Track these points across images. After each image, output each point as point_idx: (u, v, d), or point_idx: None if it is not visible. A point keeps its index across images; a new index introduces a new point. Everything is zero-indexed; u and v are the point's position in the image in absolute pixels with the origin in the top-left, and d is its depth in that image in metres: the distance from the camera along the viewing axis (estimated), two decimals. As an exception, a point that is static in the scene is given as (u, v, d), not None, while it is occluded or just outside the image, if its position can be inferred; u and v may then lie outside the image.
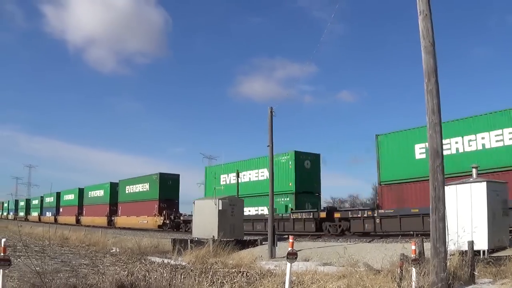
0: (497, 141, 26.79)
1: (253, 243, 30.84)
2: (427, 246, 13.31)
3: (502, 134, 26.55)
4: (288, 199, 39.71)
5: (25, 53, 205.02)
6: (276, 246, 26.50)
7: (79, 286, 11.67)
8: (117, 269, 18.17)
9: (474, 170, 19.50)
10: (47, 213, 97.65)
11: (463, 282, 13.28)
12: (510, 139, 26.19)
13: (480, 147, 27.66)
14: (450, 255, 13.73)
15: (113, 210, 71.39)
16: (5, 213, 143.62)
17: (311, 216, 37.00)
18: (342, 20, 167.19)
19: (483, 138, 27.55)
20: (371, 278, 13.23)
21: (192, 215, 37.42)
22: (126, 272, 15.28)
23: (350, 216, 34.32)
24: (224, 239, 26.87)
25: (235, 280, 15.12)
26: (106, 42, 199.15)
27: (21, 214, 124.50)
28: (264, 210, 39.56)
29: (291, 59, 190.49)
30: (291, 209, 39.01)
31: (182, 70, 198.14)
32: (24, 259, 18.65)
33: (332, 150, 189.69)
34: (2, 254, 9.47)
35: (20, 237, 33.71)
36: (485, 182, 18.35)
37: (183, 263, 20.97)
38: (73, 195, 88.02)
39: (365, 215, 32.98)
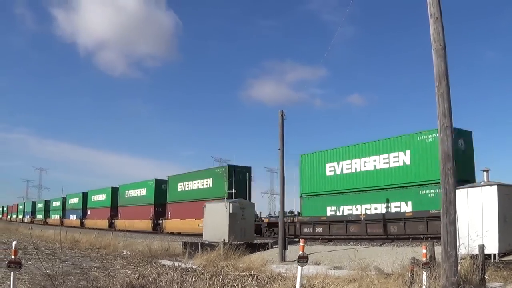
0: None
1: (263, 247, 30.84)
2: (438, 250, 13.29)
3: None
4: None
5: (35, 56, 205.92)
6: (287, 249, 26.50)
7: (90, 289, 11.72)
8: (127, 272, 18.24)
9: (485, 174, 19.44)
10: (71, 215, 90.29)
11: (474, 286, 13.23)
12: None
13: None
14: (461, 259, 13.71)
15: (158, 212, 59.32)
16: (20, 216, 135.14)
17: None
18: (352, 23, 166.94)
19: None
20: (382, 281, 13.24)
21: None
22: (136, 275, 15.35)
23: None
24: (235, 242, 26.92)
25: (245, 284, 15.16)
26: (117, 46, 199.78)
27: (39, 216, 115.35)
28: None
29: (301, 62, 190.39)
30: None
31: (192, 73, 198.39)
32: (34, 262, 18.73)
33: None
34: (13, 256, 9.54)
35: (31, 240, 33.89)
36: (496, 186, 18.28)
37: (194, 266, 20.98)
38: (104, 195, 76.69)
39: (289, 220, 38.23)
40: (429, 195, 28.92)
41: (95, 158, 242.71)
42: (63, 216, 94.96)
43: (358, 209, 33.38)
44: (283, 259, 25.81)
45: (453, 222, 11.76)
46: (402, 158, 31.47)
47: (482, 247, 15.16)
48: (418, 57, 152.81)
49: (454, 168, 12.11)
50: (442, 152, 12.19)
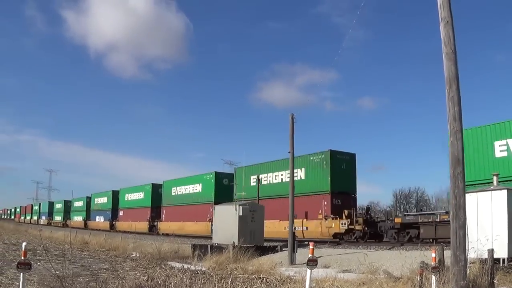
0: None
1: (273, 249, 30.84)
2: (447, 253, 13.28)
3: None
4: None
5: (46, 58, 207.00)
6: (296, 252, 26.50)
7: (99, 290, 11.77)
8: (137, 274, 18.29)
9: (494, 178, 19.35)
10: (98, 217, 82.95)
11: (483, 290, 13.24)
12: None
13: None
14: (470, 263, 13.69)
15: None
16: (34, 217, 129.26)
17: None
18: (363, 26, 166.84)
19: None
20: (391, 285, 13.24)
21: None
22: (146, 277, 15.40)
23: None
24: (244, 245, 26.93)
25: (255, 286, 15.19)
26: (127, 48, 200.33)
27: (57, 218, 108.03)
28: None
29: (312, 65, 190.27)
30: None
31: (203, 76, 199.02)
32: (44, 263, 18.81)
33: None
34: (22, 258, 9.60)
35: (40, 241, 34.00)
36: (505, 190, 18.19)
37: (203, 269, 21.02)
38: (142, 194, 67.78)
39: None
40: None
41: (105, 160, 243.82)
42: (88, 217, 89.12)
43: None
44: (292, 262, 25.80)
45: (463, 226, 11.75)
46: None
47: (491, 251, 15.12)
48: (429, 60, 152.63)
49: (464, 172, 12.09)
50: (452, 156, 12.16)
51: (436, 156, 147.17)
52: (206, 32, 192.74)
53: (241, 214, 30.22)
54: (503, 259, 17.43)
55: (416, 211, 40.83)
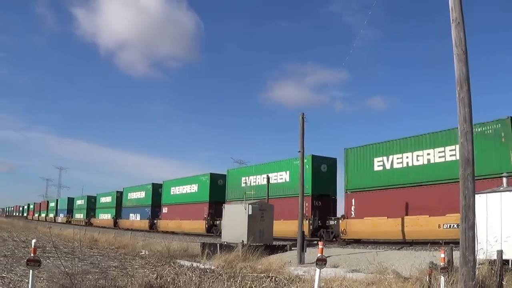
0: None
1: (282, 249, 30.89)
2: (456, 254, 13.27)
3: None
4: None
5: (56, 56, 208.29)
6: (305, 252, 26.52)
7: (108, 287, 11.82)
8: (146, 271, 18.32)
9: (504, 180, 19.30)
10: (133, 215, 71.86)
11: (491, 292, 13.23)
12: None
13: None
14: (479, 264, 13.67)
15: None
16: (51, 215, 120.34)
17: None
18: (374, 26, 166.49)
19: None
20: (400, 285, 13.25)
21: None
22: (155, 275, 15.45)
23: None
24: (253, 244, 26.99)
25: (263, 285, 15.21)
26: (138, 46, 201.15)
27: (78, 216, 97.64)
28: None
29: (322, 64, 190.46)
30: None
31: (213, 75, 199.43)
32: (53, 260, 18.90)
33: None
34: (32, 255, 9.65)
35: (50, 238, 34.15)
36: (516, 191, 18.13)
37: (212, 267, 21.07)
38: (196, 186, 56.01)
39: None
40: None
41: (114, 158, 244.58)
42: (118, 215, 78.89)
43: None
44: (301, 261, 25.84)
45: (472, 227, 11.74)
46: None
47: (500, 252, 15.10)
48: (439, 61, 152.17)
49: (474, 174, 12.08)
50: (462, 157, 12.13)
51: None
52: (216, 31, 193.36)
53: (250, 213, 30.26)
54: (512, 261, 17.38)
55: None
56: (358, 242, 33.11)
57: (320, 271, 11.36)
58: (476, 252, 11.96)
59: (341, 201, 38.06)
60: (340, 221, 35.10)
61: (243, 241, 28.34)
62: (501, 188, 18.88)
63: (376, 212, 31.99)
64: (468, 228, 11.71)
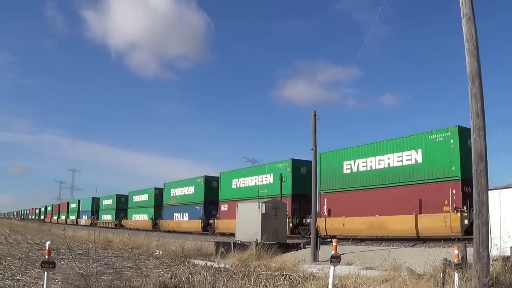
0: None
1: (296, 247, 30.86)
2: (470, 251, 13.26)
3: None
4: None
5: (66, 58, 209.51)
6: (319, 249, 26.51)
7: (123, 288, 11.90)
8: (160, 271, 18.43)
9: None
10: (178, 214, 60.61)
11: (505, 288, 13.20)
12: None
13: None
14: (492, 261, 13.65)
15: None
16: (72, 217, 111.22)
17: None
18: (385, 23, 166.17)
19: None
20: (414, 282, 13.25)
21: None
22: (169, 275, 15.51)
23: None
24: (267, 242, 27.02)
25: (278, 283, 15.26)
26: (148, 47, 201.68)
27: (106, 217, 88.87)
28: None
29: (333, 62, 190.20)
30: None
31: (224, 74, 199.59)
32: (68, 262, 19.02)
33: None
34: (46, 256, 9.70)
35: (64, 240, 34.33)
36: (529, 188, 18.12)
37: (226, 266, 21.14)
38: (270, 176, 44.82)
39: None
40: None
41: (127, 158, 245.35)
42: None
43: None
44: (315, 259, 25.81)
45: (486, 223, 11.73)
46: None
47: (514, 248, 15.08)
48: (451, 56, 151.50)
49: (487, 169, 12.07)
50: (475, 152, 12.11)
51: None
52: (226, 30, 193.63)
53: (264, 211, 30.26)
54: (526, 257, 17.35)
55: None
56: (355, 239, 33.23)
57: (334, 268, 11.41)
58: (490, 248, 11.96)
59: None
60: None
61: (256, 239, 28.34)
62: (515, 185, 18.86)
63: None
64: (482, 224, 11.70)
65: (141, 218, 73.70)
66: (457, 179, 28.16)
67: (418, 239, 30.10)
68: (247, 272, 18.27)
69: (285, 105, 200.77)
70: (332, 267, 11.41)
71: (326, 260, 14.61)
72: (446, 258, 14.07)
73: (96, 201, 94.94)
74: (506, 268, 14.05)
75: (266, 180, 44.86)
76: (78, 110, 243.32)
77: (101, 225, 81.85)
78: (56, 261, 10.08)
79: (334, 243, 12.16)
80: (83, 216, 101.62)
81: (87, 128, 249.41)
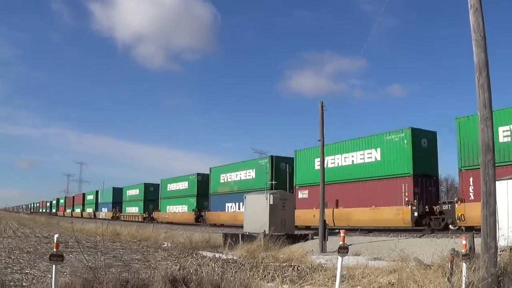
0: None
1: (304, 238, 30.92)
2: (478, 241, 13.26)
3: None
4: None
5: (73, 51, 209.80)
6: (327, 240, 26.55)
7: (132, 280, 11.91)
8: (169, 263, 18.50)
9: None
10: (233, 204, 49.84)
11: (513, 278, 13.18)
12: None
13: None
14: (500, 251, 13.65)
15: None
16: (89, 210, 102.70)
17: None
18: (391, 13, 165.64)
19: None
20: (422, 272, 13.26)
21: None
22: (178, 267, 15.56)
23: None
24: (275, 234, 27.05)
25: (286, 274, 15.33)
26: (155, 39, 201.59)
27: (132, 209, 79.91)
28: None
29: (340, 53, 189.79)
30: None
31: (231, 65, 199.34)
32: (76, 255, 19.11)
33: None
34: (55, 250, 9.72)
35: (72, 233, 34.47)
36: (537, 177, 18.06)
37: (235, 257, 21.22)
38: (253, 171, 47.73)
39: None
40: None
41: (134, 151, 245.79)
42: (200, 206, 58.66)
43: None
44: (323, 250, 25.86)
45: (493, 213, 11.72)
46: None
47: (522, 238, 15.07)
48: (458, 47, 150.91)
49: (495, 159, 12.05)
50: (482, 143, 12.09)
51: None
52: (233, 21, 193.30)
53: (271, 202, 30.31)
54: (534, 247, 17.33)
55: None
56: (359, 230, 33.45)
57: (342, 259, 11.43)
58: (497, 238, 11.96)
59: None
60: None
61: (264, 230, 28.41)
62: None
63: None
64: (489, 215, 11.69)
65: (179, 209, 63.81)
66: (409, 176, 31.28)
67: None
68: (255, 263, 18.35)
69: (292, 97, 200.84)
70: (340, 258, 11.42)
71: (334, 251, 14.62)
72: (454, 249, 14.07)
73: (118, 192, 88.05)
74: (513, 258, 14.04)
75: (249, 175, 49.15)
76: (84, 103, 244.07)
77: (125, 219, 76.63)
78: (64, 254, 10.10)
79: (342, 234, 12.18)
80: (103, 208, 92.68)
81: (94, 121, 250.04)
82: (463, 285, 11.53)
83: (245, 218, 33.17)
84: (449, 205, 29.87)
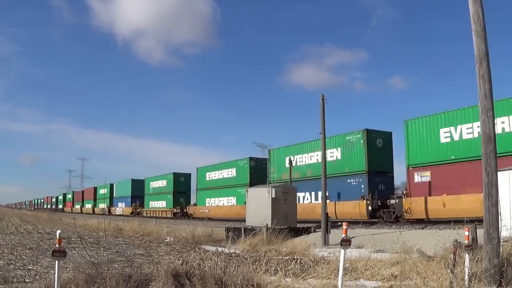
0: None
1: (306, 231, 30.91)
2: (480, 232, 13.25)
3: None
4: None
5: (73, 47, 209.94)
6: (330, 233, 26.55)
7: (134, 275, 11.88)
8: (171, 258, 18.52)
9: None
10: (304, 194, 39.66)
11: (516, 269, 13.17)
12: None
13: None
14: (503, 242, 13.63)
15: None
16: (102, 205, 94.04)
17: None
18: (391, 5, 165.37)
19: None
20: (425, 264, 13.25)
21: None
22: (180, 261, 15.55)
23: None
24: (278, 227, 27.05)
25: (289, 267, 15.30)
26: (155, 34, 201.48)
27: (156, 204, 71.16)
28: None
29: (341, 45, 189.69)
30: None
31: (232, 59, 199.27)
32: (78, 251, 19.11)
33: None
34: (57, 245, 9.70)
35: (75, 229, 34.47)
36: (539, 168, 18.05)
37: (237, 251, 21.21)
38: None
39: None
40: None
41: (136, 146, 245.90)
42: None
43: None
44: (326, 243, 25.88)
45: (495, 204, 11.71)
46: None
47: (525, 229, 15.05)
48: (459, 38, 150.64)
49: (496, 150, 12.03)
50: (483, 133, 12.09)
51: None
52: (233, 16, 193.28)
53: (274, 196, 30.32)
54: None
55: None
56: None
57: (344, 252, 11.40)
58: (500, 229, 11.95)
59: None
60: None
61: (267, 224, 28.39)
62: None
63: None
64: (491, 205, 11.69)
65: (224, 203, 53.05)
66: (365, 173, 34.66)
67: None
68: (257, 257, 18.34)
69: (293, 90, 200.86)
70: (342, 251, 11.40)
71: (337, 244, 14.57)
72: (457, 240, 14.03)
73: (138, 184, 78.66)
74: (517, 249, 14.01)
75: (232, 174, 53.03)
76: (85, 99, 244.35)
77: (148, 214, 69.59)
78: (67, 250, 10.09)
79: (344, 226, 12.16)
80: (119, 203, 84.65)
81: (95, 117, 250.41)
82: (466, 276, 11.50)
83: (248, 212, 33.19)
84: (397, 200, 32.80)
